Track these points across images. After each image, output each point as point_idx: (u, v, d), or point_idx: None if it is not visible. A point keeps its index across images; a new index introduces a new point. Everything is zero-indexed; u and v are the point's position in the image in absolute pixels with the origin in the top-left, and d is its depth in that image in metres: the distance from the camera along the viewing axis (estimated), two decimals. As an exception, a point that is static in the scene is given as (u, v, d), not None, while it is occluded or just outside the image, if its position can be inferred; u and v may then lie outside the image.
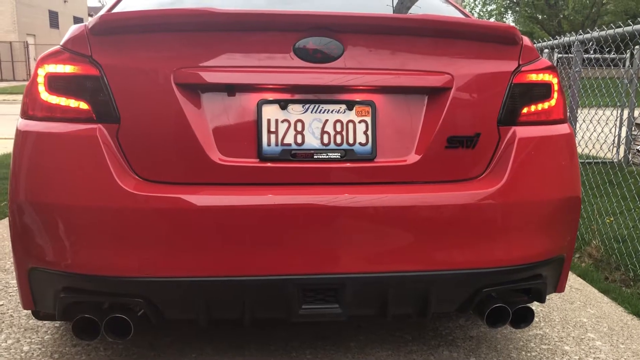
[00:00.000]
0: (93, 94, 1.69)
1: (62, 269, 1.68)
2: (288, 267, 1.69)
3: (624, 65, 6.81)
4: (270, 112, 1.73)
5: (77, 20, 38.69)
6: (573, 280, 3.18)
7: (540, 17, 30.21)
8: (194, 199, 1.66)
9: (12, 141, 1.78)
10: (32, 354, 2.17)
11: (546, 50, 5.85)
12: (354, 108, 1.76)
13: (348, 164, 1.75)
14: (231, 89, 1.72)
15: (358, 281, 1.72)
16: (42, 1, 34.64)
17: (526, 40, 1.91)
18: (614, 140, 6.78)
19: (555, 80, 1.92)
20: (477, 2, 32.06)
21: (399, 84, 1.77)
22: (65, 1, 38.50)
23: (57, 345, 2.23)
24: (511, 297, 1.92)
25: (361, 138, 1.76)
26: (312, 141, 1.75)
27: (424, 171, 1.79)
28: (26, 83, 1.80)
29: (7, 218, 1.79)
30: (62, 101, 1.70)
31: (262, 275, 1.68)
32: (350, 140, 1.76)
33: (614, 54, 4.90)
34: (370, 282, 1.73)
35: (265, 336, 2.33)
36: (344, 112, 1.76)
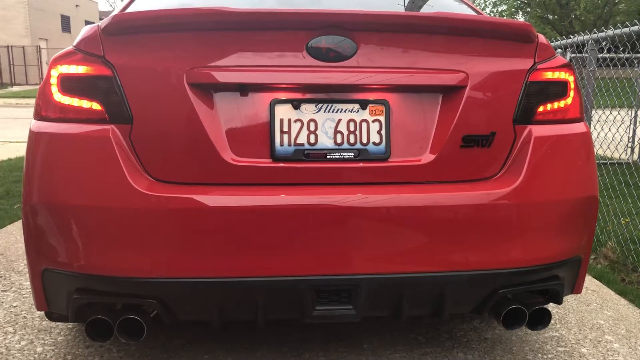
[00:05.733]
0: (106, 95, 1.69)
1: (75, 270, 1.68)
2: (302, 268, 1.67)
3: (638, 65, 6.72)
4: (283, 112, 1.72)
5: (88, 24, 38.97)
6: (589, 281, 3.14)
7: (551, 17, 30.01)
8: (206, 199, 1.65)
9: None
10: (46, 355, 2.17)
11: (559, 50, 5.79)
12: (368, 107, 1.75)
13: (361, 164, 1.74)
14: (244, 89, 1.71)
15: (372, 282, 1.70)
16: (54, 6, 34.96)
17: (542, 37, 1.88)
18: (628, 140, 6.71)
19: (571, 78, 1.89)
20: (487, 3, 31.89)
21: (412, 82, 1.75)
22: (77, 5, 38.84)
23: (70, 347, 2.23)
24: (528, 299, 1.90)
25: (375, 137, 1.75)
26: (325, 141, 1.73)
27: (438, 171, 1.77)
28: (39, 87, 1.80)
29: (21, 220, 1.79)
30: (75, 102, 1.70)
31: (276, 275, 1.67)
32: (364, 140, 1.74)
33: (628, 53, 4.84)
34: (384, 283, 1.71)
35: (277, 337, 2.32)
36: (358, 111, 1.75)
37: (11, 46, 30.27)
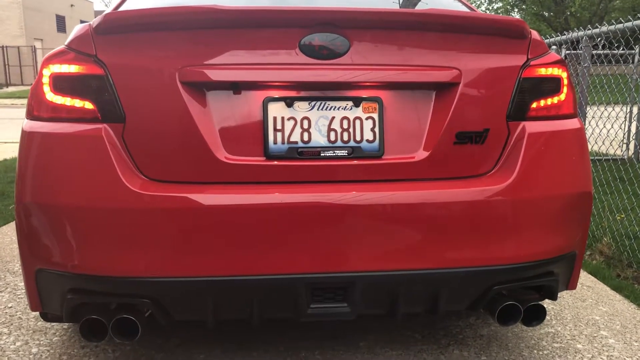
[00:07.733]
0: (98, 94, 1.68)
1: (69, 270, 1.67)
2: (296, 266, 1.67)
3: (633, 61, 6.73)
4: (276, 110, 1.72)
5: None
6: (584, 277, 3.14)
7: (546, 14, 30.04)
8: (200, 198, 1.65)
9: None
10: (41, 355, 2.16)
11: (554, 47, 5.80)
12: (361, 104, 1.75)
13: (355, 162, 1.73)
14: (236, 87, 1.71)
15: (367, 279, 1.70)
16: (49, 6, 34.83)
17: (535, 34, 1.88)
18: (624, 136, 6.72)
19: (564, 74, 1.89)
20: (482, 0, 31.90)
21: (406, 79, 1.75)
22: (72, 5, 38.71)
23: (66, 347, 2.23)
24: (522, 295, 1.90)
25: (368, 135, 1.74)
26: (318, 139, 1.73)
27: (432, 168, 1.77)
28: (31, 86, 1.79)
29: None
30: (67, 101, 1.70)
31: (270, 274, 1.66)
32: (358, 138, 1.74)
33: (623, 50, 4.84)
34: (379, 280, 1.71)
35: (274, 336, 2.32)
36: (351, 108, 1.74)
37: (6, 46, 30.16)
